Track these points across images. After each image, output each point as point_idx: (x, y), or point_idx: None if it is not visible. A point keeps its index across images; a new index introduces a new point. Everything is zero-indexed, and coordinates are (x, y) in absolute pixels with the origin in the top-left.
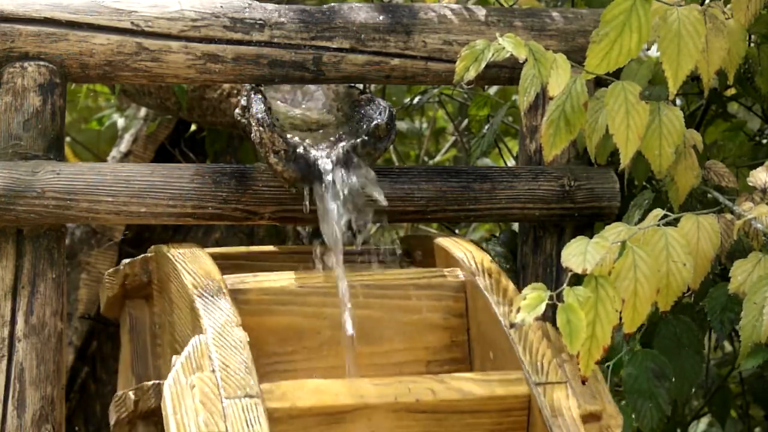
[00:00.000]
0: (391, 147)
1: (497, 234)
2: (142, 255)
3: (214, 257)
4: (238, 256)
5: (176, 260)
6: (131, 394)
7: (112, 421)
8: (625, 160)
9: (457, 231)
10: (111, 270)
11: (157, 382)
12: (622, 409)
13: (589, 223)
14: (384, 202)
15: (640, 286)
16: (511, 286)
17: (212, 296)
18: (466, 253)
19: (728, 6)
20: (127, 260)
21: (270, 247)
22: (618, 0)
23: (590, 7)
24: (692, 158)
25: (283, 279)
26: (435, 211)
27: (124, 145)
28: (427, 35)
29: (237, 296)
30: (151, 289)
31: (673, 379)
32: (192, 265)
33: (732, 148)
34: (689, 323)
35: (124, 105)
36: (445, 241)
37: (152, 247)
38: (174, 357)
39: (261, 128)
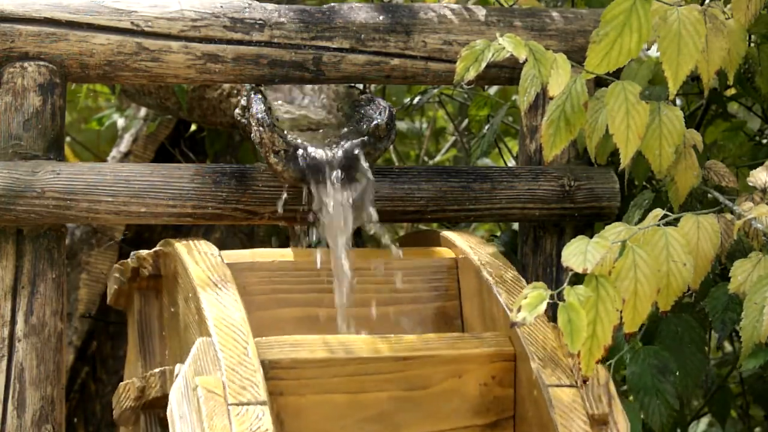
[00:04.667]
0: (391, 147)
1: (497, 234)
2: (154, 249)
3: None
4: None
5: (182, 254)
6: (136, 381)
7: (115, 414)
8: (625, 160)
9: None
10: (120, 262)
11: (163, 369)
12: (631, 407)
13: (589, 223)
14: (374, 217)
15: (641, 286)
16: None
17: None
18: (471, 245)
19: (728, 6)
20: (135, 252)
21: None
22: (618, 0)
23: (590, 7)
24: (692, 158)
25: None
26: (435, 211)
27: (124, 145)
28: (427, 35)
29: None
30: (160, 282)
31: (677, 374)
32: (200, 259)
33: (732, 148)
34: (690, 321)
35: (124, 105)
36: (451, 234)
37: (162, 241)
38: (178, 365)
39: (261, 128)
